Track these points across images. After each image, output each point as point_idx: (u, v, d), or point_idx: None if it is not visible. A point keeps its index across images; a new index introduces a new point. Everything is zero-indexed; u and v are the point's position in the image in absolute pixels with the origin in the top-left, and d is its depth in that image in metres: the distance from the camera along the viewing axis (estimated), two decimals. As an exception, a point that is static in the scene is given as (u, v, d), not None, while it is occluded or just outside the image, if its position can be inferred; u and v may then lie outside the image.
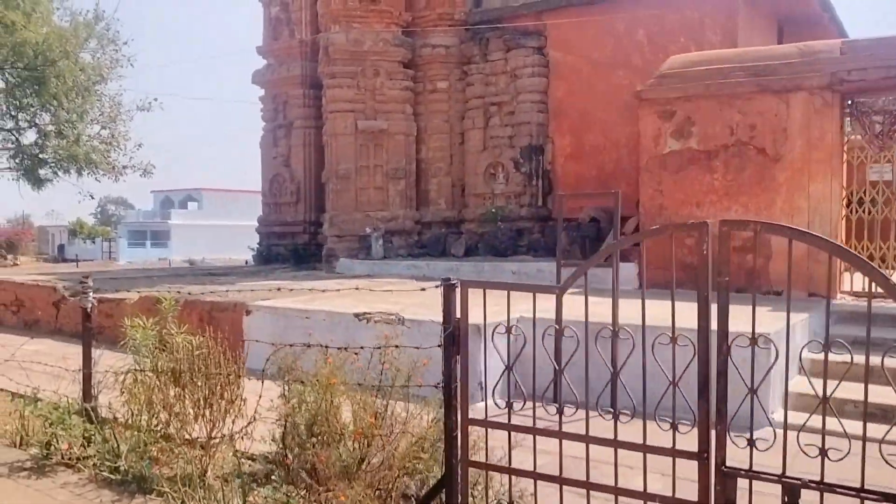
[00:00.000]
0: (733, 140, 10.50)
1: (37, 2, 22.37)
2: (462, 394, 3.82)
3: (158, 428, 5.22)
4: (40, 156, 24.33)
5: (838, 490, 3.00)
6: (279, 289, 8.85)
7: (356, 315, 8.24)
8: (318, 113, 17.41)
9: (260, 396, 4.62)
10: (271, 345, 5.02)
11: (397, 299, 8.70)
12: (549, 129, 14.38)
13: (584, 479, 3.59)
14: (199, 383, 5.18)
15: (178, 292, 11.02)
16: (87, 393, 5.76)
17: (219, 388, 5.15)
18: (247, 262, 28.85)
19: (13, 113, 24.59)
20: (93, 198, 30.77)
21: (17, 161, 24.91)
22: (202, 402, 5.08)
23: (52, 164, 24.63)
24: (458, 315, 3.85)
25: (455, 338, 3.83)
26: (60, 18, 24.96)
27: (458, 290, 3.88)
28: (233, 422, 5.03)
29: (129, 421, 5.42)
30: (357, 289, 8.55)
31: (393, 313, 8.02)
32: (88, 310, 5.86)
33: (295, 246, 17.04)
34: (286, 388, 4.59)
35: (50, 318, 12.05)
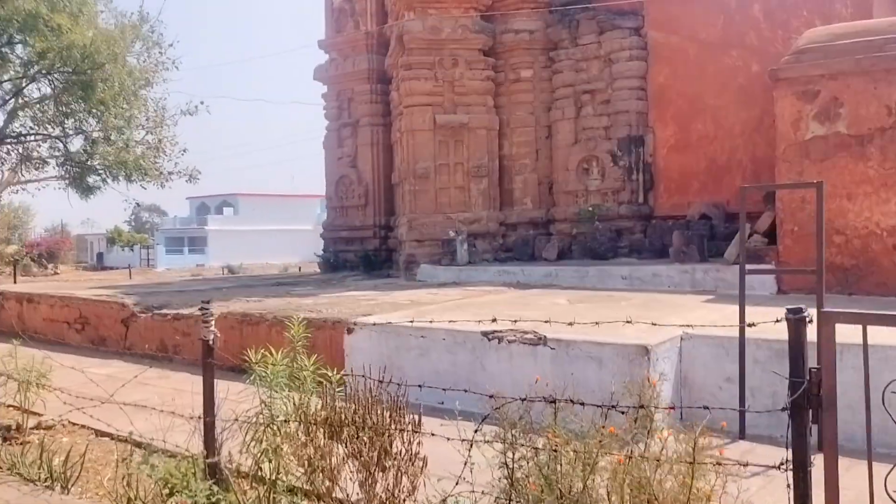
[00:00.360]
0: (891, 122, 9.09)
1: (83, 2, 21.56)
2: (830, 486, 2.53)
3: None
4: (88, 163, 23.55)
5: None
6: (408, 302, 7.65)
7: (484, 333, 7.02)
8: (385, 109, 16.29)
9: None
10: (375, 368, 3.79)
11: (521, 312, 7.47)
12: (648, 118, 13.05)
13: None
14: (366, 437, 3.99)
15: (261, 309, 9.93)
16: (211, 445, 4.60)
17: (390, 441, 3.96)
18: (300, 269, 27.91)
19: (60, 119, 23.81)
20: (139, 205, 30.13)
21: (65, 169, 24.20)
22: (375, 461, 3.89)
23: (101, 171, 23.86)
24: (821, 362, 2.57)
25: (812, 398, 2.53)
26: (105, 21, 24.15)
27: (811, 324, 2.60)
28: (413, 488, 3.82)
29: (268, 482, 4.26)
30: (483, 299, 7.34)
31: (529, 331, 6.79)
32: (211, 342, 4.68)
33: (365, 252, 15.91)
34: (508, 450, 3.34)
35: (118, 337, 11.02)
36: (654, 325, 5.01)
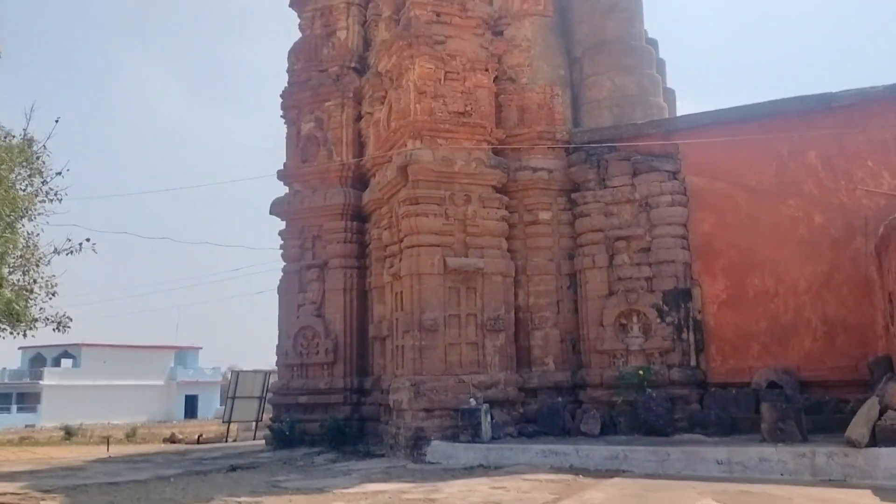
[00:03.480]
0: None
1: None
2: None
3: None
4: (-55, 305, 18.97)
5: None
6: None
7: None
8: (360, 251, 13.96)
9: None
10: None
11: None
12: (693, 269, 11.57)
13: None
14: None
15: None
16: None
17: None
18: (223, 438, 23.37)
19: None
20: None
21: None
22: None
23: (-41, 316, 19.25)
24: None
25: None
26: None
27: None
28: None
29: None
30: None
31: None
32: None
33: (334, 422, 12.86)
34: None
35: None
36: None
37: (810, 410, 9.97)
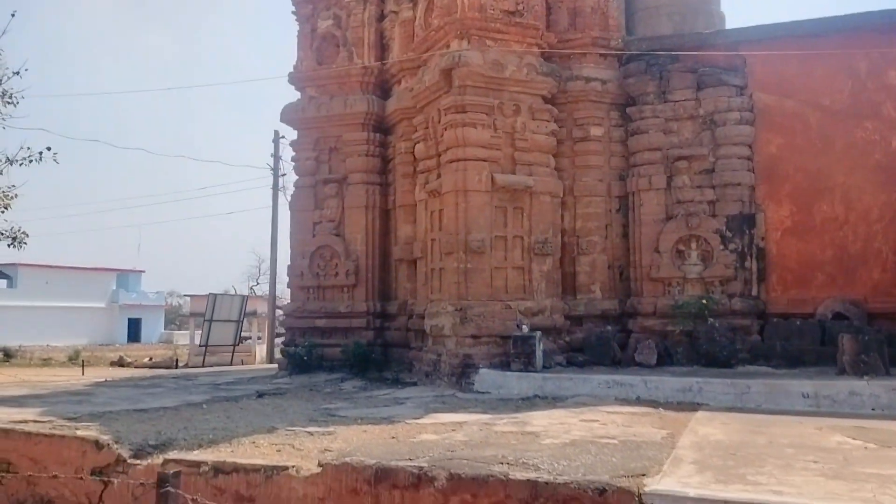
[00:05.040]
0: None
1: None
2: None
3: None
4: None
5: None
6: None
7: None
8: (383, 165, 12.81)
9: None
10: None
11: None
12: (756, 194, 10.83)
13: None
14: None
15: (392, 455, 5.88)
16: None
17: None
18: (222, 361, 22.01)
19: None
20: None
21: None
22: None
23: None
24: None
25: None
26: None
27: None
28: None
29: None
30: None
31: None
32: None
33: (358, 347, 11.93)
34: None
35: (78, 502, 6.35)
36: None
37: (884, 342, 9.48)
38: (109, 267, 74.61)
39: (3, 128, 23.75)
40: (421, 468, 5.42)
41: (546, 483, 5.06)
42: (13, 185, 21.07)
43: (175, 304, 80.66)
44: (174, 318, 79.58)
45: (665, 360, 10.42)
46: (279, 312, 23.15)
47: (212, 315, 22.38)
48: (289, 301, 13.46)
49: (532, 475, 5.16)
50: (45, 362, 38.61)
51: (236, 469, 5.91)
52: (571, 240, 11.35)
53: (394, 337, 12.30)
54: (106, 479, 6.31)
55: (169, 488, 2.55)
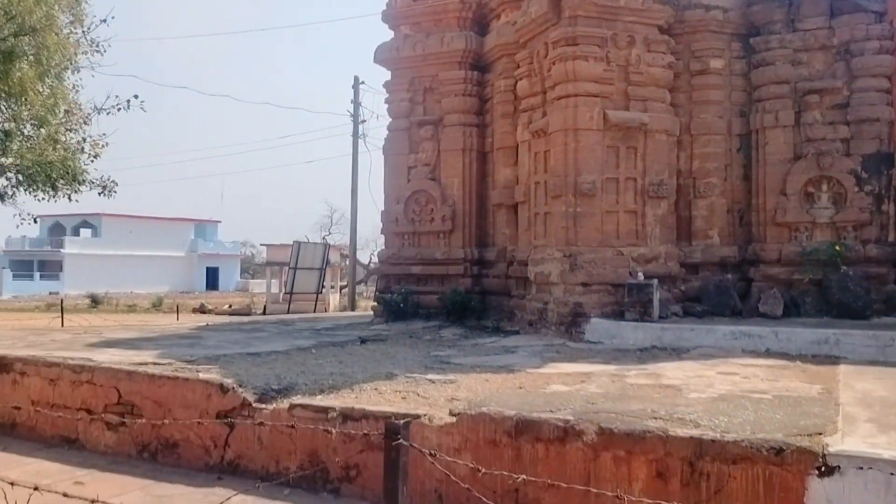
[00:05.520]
0: None
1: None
2: None
3: None
4: (0, 161, 17.45)
5: None
6: None
7: None
8: (480, 106, 12.24)
9: None
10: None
11: None
12: (894, 130, 9.87)
13: None
14: None
15: (536, 405, 5.45)
16: None
17: None
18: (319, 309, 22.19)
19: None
20: (36, 221, 23.80)
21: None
22: None
23: (14, 175, 17.79)
24: None
25: None
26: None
27: None
28: None
29: None
30: None
31: None
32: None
33: (457, 295, 11.59)
34: None
35: (206, 445, 6.22)
36: None
37: None
38: (188, 217, 76.85)
39: (93, 76, 23.85)
40: (567, 421, 5.03)
41: (712, 441, 4.59)
42: (104, 134, 21.35)
43: (248, 253, 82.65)
44: (247, 267, 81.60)
45: (791, 310, 9.73)
46: (373, 259, 23.08)
47: (296, 262, 22.45)
48: (381, 248, 13.20)
49: (694, 432, 4.70)
50: (131, 308, 40.04)
51: (365, 416, 5.64)
52: (687, 182, 10.64)
53: (492, 284, 11.90)
54: (229, 422, 6.17)
55: (401, 441, 2.18)
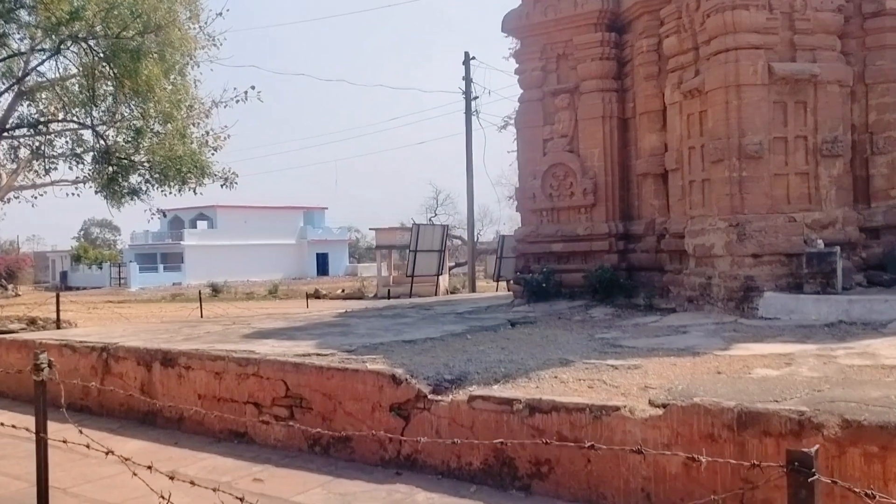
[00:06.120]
0: None
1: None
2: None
3: None
4: (133, 158, 18.09)
5: None
6: None
7: None
8: (618, 70, 11.46)
9: None
10: None
11: None
12: None
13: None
14: None
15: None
16: None
17: None
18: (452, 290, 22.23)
19: (87, 103, 18.09)
20: (165, 216, 24.67)
21: (95, 168, 18.63)
22: None
23: (145, 171, 18.41)
24: None
25: None
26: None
27: None
28: None
29: None
30: None
31: None
32: None
33: (604, 271, 10.96)
34: None
35: (379, 438, 5.92)
36: None
37: None
38: (296, 205, 78.97)
39: (212, 69, 24.29)
40: (801, 412, 4.38)
41: None
42: (225, 126, 21.76)
43: (354, 238, 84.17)
44: (354, 252, 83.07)
45: None
46: (511, 239, 22.65)
47: (416, 245, 22.29)
48: (519, 226, 12.68)
49: None
50: (249, 296, 41.39)
51: (555, 408, 5.18)
52: (863, 137, 9.55)
53: (640, 259, 11.19)
54: (405, 414, 5.86)
55: (818, 476, 1.66)
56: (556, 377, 5.88)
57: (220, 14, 21.07)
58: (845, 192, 9.34)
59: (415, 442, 5.74)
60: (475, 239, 40.52)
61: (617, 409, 4.96)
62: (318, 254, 78.24)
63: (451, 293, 24.33)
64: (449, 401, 5.65)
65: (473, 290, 24.17)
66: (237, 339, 8.35)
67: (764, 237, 8.84)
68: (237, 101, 20.45)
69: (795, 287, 8.69)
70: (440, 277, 26.18)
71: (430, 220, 52.22)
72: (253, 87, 20.36)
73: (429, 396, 5.76)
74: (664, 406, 4.83)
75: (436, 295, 23.45)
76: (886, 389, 4.73)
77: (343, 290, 39.50)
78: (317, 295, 35.20)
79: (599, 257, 11.30)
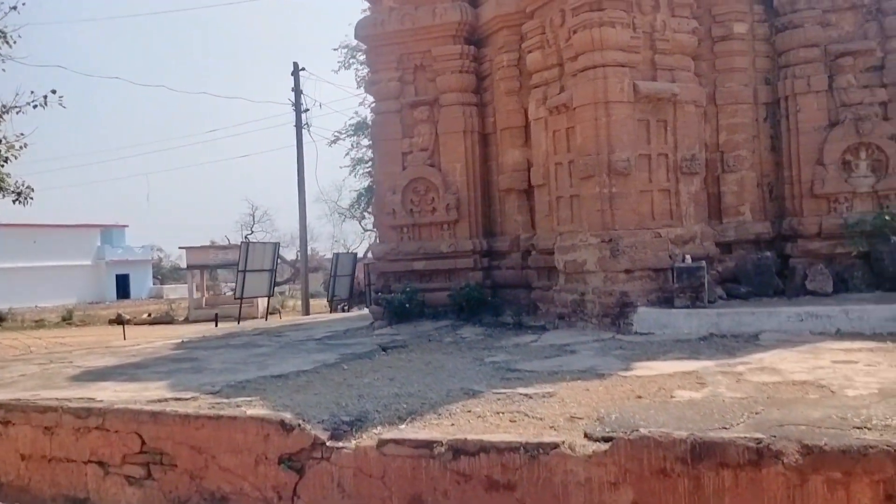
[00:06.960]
0: None
1: None
2: None
3: None
4: None
5: None
6: None
7: None
8: (477, 84, 11.23)
9: None
10: None
11: None
12: (931, 93, 9.44)
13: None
14: None
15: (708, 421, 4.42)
16: None
17: None
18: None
19: None
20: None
21: None
22: None
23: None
24: None
25: None
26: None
27: None
28: None
29: None
30: None
31: None
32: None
33: (470, 290, 10.57)
34: None
35: (265, 498, 5.02)
36: None
37: None
38: (93, 223, 72.23)
39: (3, 69, 21.46)
40: (758, 440, 4.14)
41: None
42: (21, 134, 19.17)
43: (157, 257, 78.68)
44: (157, 273, 77.57)
45: (839, 286, 9.18)
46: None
47: (245, 265, 20.81)
48: (376, 242, 12.00)
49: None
50: (39, 324, 36.93)
51: (483, 448, 4.61)
52: (714, 156, 9.94)
53: (506, 277, 10.94)
54: (297, 467, 4.99)
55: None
56: (469, 411, 5.30)
57: (15, 8, 18.47)
58: (702, 209, 9.65)
59: (310, 497, 4.92)
60: (295, 258, 39.11)
61: (555, 445, 4.47)
62: (118, 275, 71.90)
63: (271, 314, 23.01)
64: (353, 447, 4.88)
65: (307, 312, 23.05)
66: (65, 382, 6.94)
67: (635, 253, 8.86)
68: (35, 107, 17.99)
69: (665, 301, 8.78)
70: (259, 299, 24.79)
71: (245, 237, 49.71)
72: (54, 92, 17.97)
73: (327, 443, 4.95)
74: (607, 440, 4.41)
75: (261, 318, 22.09)
76: (823, 409, 4.63)
77: (150, 314, 36.36)
78: (119, 321, 31.85)
79: (464, 275, 10.91)
